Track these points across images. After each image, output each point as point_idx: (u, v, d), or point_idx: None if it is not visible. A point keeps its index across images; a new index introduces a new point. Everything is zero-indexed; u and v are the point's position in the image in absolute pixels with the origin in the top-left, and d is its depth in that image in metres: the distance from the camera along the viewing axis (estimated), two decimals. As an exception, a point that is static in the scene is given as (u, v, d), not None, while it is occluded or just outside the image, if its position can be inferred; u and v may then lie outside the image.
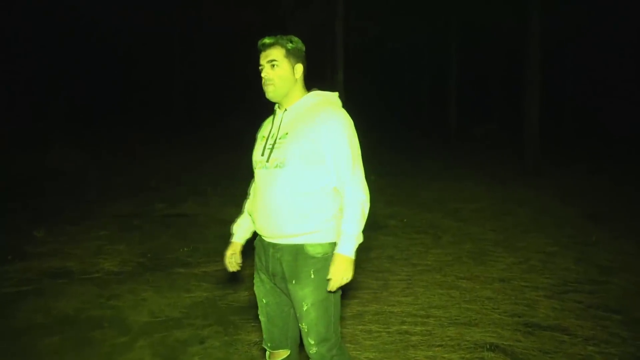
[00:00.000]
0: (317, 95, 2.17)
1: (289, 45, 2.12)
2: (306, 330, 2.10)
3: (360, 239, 2.04)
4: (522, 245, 5.71)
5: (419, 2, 17.70)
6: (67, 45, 18.17)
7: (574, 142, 18.16)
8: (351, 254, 2.01)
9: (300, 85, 2.16)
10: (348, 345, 3.29)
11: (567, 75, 22.90)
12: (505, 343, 3.32)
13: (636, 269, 4.85)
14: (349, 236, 2.01)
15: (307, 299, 2.07)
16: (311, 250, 2.06)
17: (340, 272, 2.00)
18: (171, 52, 24.06)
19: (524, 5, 11.43)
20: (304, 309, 2.08)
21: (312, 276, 2.05)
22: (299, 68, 2.14)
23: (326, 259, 2.05)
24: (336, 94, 2.21)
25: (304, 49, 2.16)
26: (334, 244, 2.06)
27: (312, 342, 2.10)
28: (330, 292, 2.06)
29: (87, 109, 20.91)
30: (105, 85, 23.37)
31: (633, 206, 7.75)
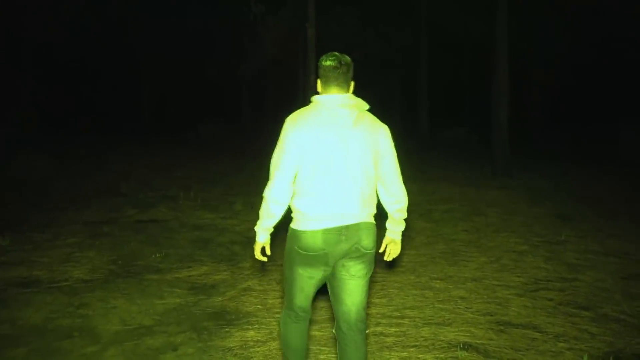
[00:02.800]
0: None
1: None
2: None
3: (257, 226, 2.44)
4: (493, 245, 5.80)
5: (389, 7, 17.88)
6: (29, 50, 17.73)
7: (542, 144, 18.57)
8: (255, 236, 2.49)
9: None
10: (323, 348, 3.28)
11: (536, 78, 23.40)
12: (478, 342, 3.36)
13: (602, 267, 4.98)
14: None
15: None
16: None
17: None
18: (139, 56, 23.74)
19: (491, 10, 11.65)
20: None
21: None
22: (318, 81, 2.45)
23: (289, 239, 2.43)
24: (313, 97, 2.41)
25: (320, 63, 2.40)
26: (293, 230, 2.39)
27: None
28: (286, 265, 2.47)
29: (53, 115, 20.45)
30: (72, 91, 22.92)
31: (598, 206, 7.97)
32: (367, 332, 2.58)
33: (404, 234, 2.59)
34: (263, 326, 3.64)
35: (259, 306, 4.03)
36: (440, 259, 5.30)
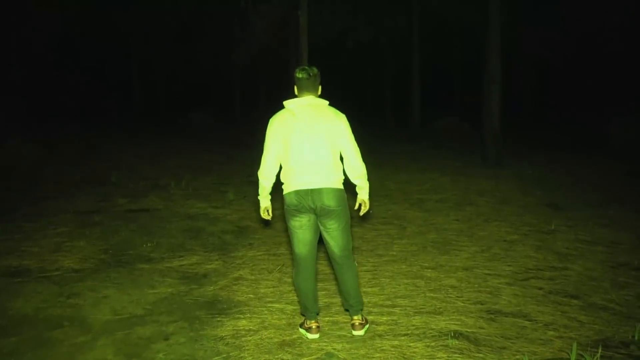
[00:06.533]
0: None
1: None
2: None
3: (259, 196, 3.41)
4: (484, 234, 5.83)
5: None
6: (19, 37, 17.46)
7: (533, 134, 18.64)
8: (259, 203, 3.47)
9: None
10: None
11: (527, 67, 23.41)
12: (469, 330, 3.38)
13: (592, 256, 5.02)
14: None
15: None
16: None
17: None
18: (129, 44, 23.47)
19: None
20: None
21: None
22: (295, 87, 3.32)
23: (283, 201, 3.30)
24: (284, 102, 3.25)
25: (295, 75, 3.22)
26: (283, 195, 3.27)
27: None
28: None
29: (43, 103, 20.21)
30: (61, 79, 22.63)
31: (588, 196, 8.02)
32: (355, 263, 3.39)
33: (371, 195, 3.47)
34: (255, 315, 3.65)
35: (251, 295, 4.04)
36: (432, 248, 5.32)
